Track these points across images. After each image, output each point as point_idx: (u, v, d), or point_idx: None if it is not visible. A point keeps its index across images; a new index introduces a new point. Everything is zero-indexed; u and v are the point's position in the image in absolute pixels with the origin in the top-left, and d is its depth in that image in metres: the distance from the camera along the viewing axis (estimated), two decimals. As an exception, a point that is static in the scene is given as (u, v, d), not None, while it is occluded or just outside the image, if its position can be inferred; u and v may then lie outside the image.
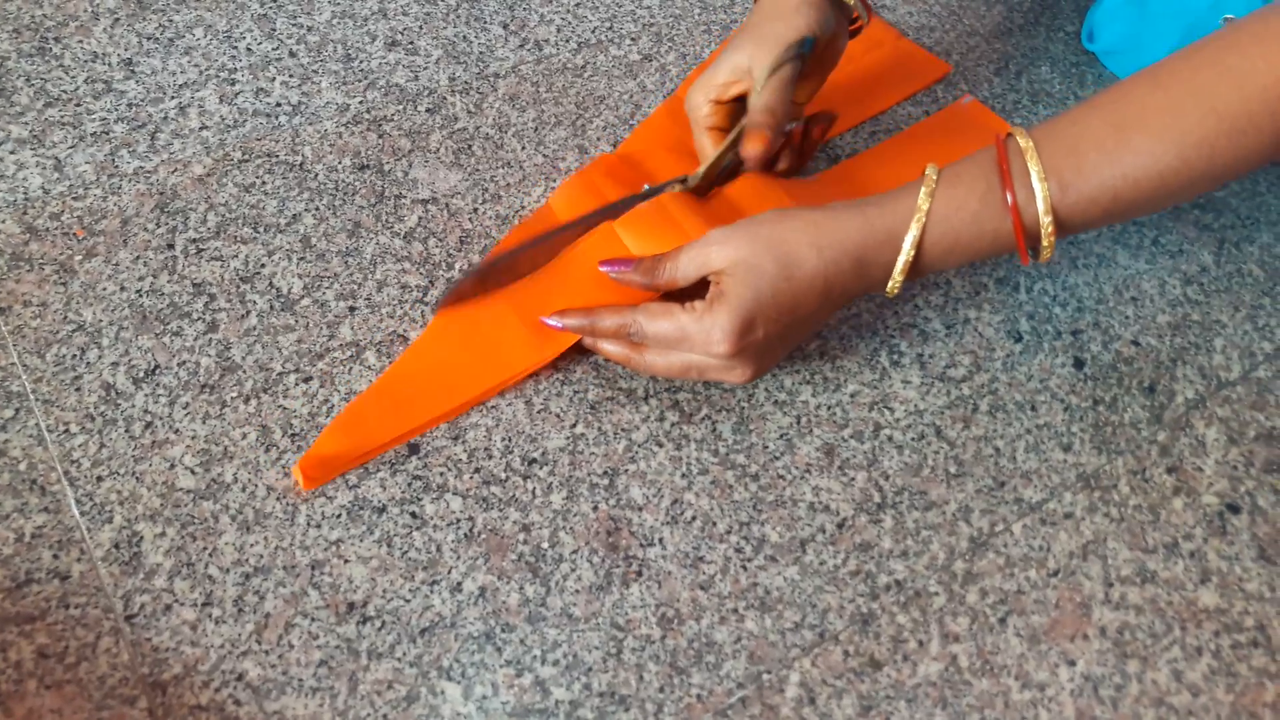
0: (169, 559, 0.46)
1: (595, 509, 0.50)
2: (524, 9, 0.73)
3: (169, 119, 0.63)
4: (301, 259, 0.57)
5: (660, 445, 0.52)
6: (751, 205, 0.57)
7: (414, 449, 0.51)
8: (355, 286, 0.56)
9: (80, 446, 0.49)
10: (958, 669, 0.47)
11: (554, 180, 0.63)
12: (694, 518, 0.50)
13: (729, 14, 0.75)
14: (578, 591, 0.47)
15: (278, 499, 0.48)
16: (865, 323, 0.58)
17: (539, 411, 0.53)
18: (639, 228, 0.54)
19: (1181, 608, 0.49)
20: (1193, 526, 0.52)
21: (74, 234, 0.57)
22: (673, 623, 0.47)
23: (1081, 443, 0.55)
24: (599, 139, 0.66)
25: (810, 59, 0.57)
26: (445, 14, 0.72)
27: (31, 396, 0.50)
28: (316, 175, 0.61)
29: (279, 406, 0.51)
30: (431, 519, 0.48)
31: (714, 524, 0.50)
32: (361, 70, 0.67)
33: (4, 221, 0.57)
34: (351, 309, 0.55)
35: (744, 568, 0.48)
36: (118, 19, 0.69)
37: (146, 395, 0.51)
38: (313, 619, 0.45)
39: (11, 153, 0.60)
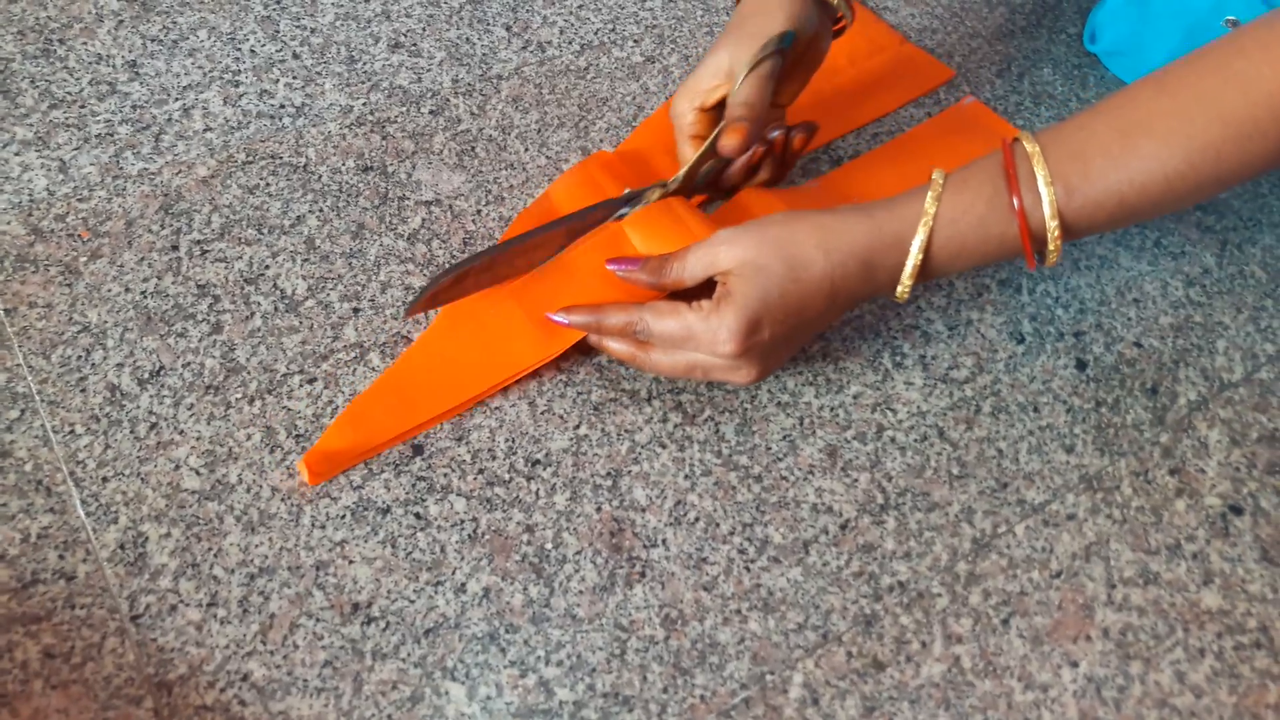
0: (174, 559, 0.46)
1: (599, 510, 0.50)
2: (527, 11, 0.73)
3: (173, 121, 0.63)
4: (306, 260, 0.57)
5: (663, 446, 0.52)
6: (759, 209, 0.57)
7: (418, 450, 0.51)
8: (359, 288, 0.56)
9: (85, 447, 0.49)
10: (961, 670, 0.47)
11: (557, 182, 0.63)
12: (697, 519, 0.50)
13: (731, 15, 0.75)
14: (581, 592, 0.47)
15: (282, 500, 0.48)
16: (868, 324, 0.58)
17: (542, 413, 0.53)
18: (646, 227, 0.54)
19: (1184, 609, 0.50)
20: (1195, 528, 0.52)
21: (79, 235, 0.57)
22: (676, 623, 0.47)
23: (1084, 444, 0.55)
24: (602, 140, 0.66)
25: (792, 59, 0.57)
26: (448, 16, 0.72)
27: (37, 397, 0.50)
28: (320, 177, 0.61)
29: (283, 408, 0.51)
30: (436, 520, 0.49)
31: (717, 525, 0.50)
32: (365, 72, 0.68)
33: (9, 223, 0.57)
34: (355, 310, 0.55)
35: (747, 569, 0.49)
36: (122, 21, 0.69)
37: (151, 396, 0.51)
38: (317, 619, 0.45)
39: (16, 154, 0.60)
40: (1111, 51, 0.74)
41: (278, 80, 0.66)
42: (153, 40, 0.68)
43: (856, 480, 0.52)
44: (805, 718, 0.45)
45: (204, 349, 0.53)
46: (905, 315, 0.59)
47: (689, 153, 0.58)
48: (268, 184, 0.61)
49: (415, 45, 0.70)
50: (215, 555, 0.47)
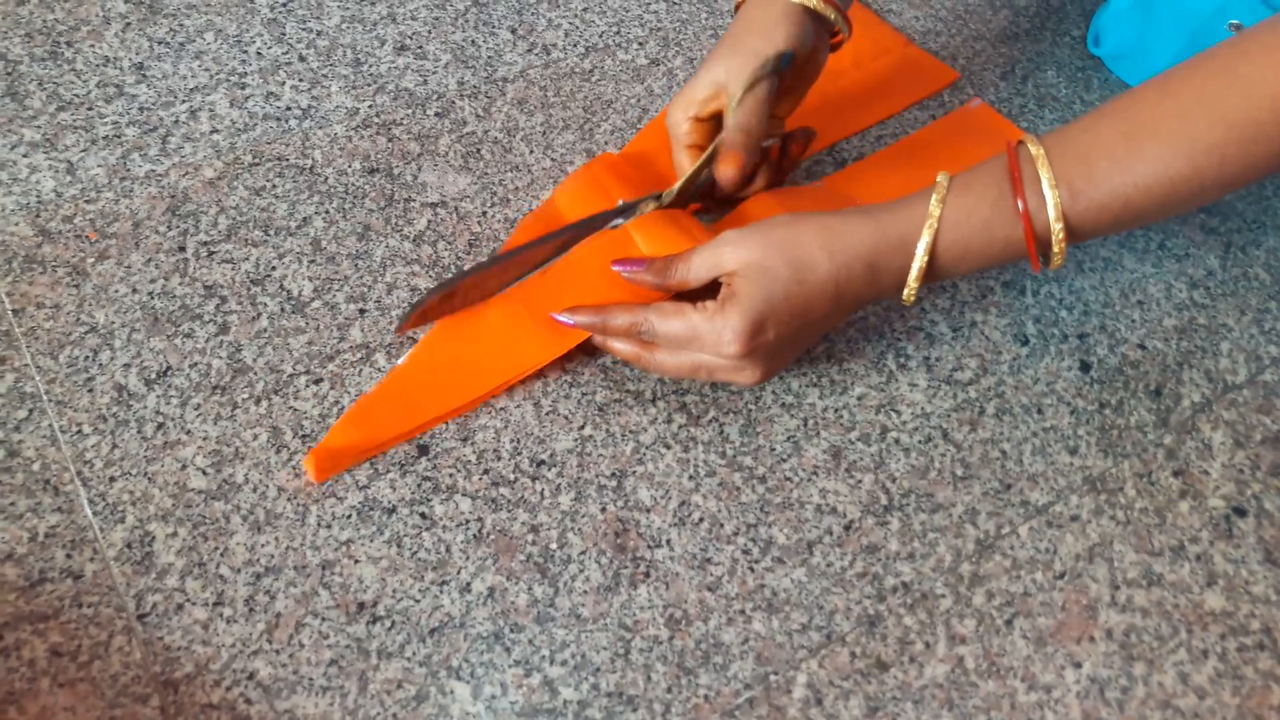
0: (181, 559, 0.46)
1: (603, 510, 0.50)
2: (532, 14, 0.74)
3: (180, 123, 0.64)
4: (312, 262, 0.57)
5: (668, 447, 0.52)
6: (760, 212, 0.58)
7: (423, 450, 0.51)
8: (365, 289, 0.57)
9: (93, 447, 0.49)
10: (964, 670, 0.47)
11: (562, 184, 0.63)
12: (701, 519, 0.50)
13: (730, 24, 0.76)
14: (586, 592, 0.47)
15: (288, 500, 0.49)
16: (872, 325, 0.58)
17: (547, 413, 0.53)
18: (652, 229, 0.54)
19: (1188, 610, 0.50)
20: (1199, 529, 0.52)
21: (86, 237, 0.57)
22: (680, 623, 0.47)
23: (1088, 445, 0.55)
24: (606, 142, 0.66)
25: (789, 74, 0.57)
26: (454, 18, 0.73)
27: (45, 397, 0.51)
28: (326, 179, 0.62)
29: (290, 408, 0.52)
30: (441, 520, 0.49)
31: (721, 525, 0.50)
32: (371, 74, 0.68)
33: (17, 224, 0.57)
34: (361, 311, 0.56)
35: (751, 569, 0.49)
36: (129, 24, 0.69)
37: (158, 396, 0.51)
38: (323, 619, 0.45)
39: (24, 156, 0.61)
40: (1115, 55, 0.74)
41: (284, 83, 0.67)
42: (160, 43, 0.68)
43: (860, 481, 0.52)
44: (809, 718, 0.45)
45: (211, 349, 0.53)
46: (909, 317, 0.59)
47: (684, 161, 0.58)
48: (274, 186, 0.61)
49: (421, 48, 0.70)
50: (221, 554, 0.47)
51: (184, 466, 0.49)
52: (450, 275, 0.57)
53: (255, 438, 0.50)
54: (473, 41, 0.71)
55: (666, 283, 0.51)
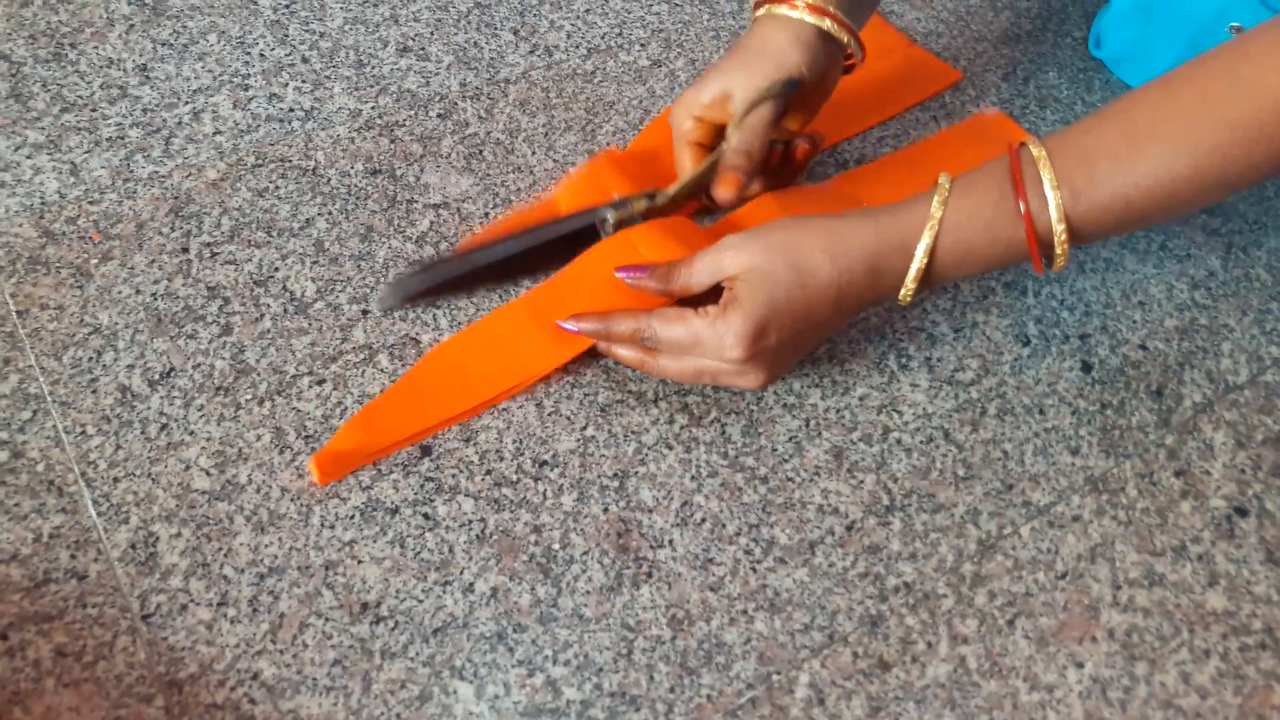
0: (185, 559, 0.47)
1: (606, 511, 0.50)
2: (534, 15, 0.74)
3: (183, 124, 0.64)
4: (315, 263, 0.58)
5: (670, 448, 0.52)
6: (760, 216, 0.58)
7: (426, 451, 0.51)
8: (368, 290, 0.57)
9: (97, 448, 0.49)
10: (966, 670, 0.47)
11: (564, 185, 0.63)
12: (703, 520, 0.50)
13: (737, 20, 0.76)
14: (588, 592, 0.47)
15: (292, 500, 0.49)
16: (874, 326, 0.59)
17: (550, 414, 0.53)
18: (654, 236, 0.54)
19: (1189, 610, 0.50)
20: (1200, 529, 0.52)
21: (90, 238, 0.57)
22: (683, 624, 0.47)
23: (1089, 446, 0.55)
24: (609, 144, 0.66)
25: (801, 94, 0.57)
26: (456, 20, 0.73)
27: (49, 398, 0.51)
28: (329, 180, 0.62)
29: (293, 409, 0.52)
30: (444, 520, 0.49)
31: (723, 526, 0.50)
32: (373, 76, 0.68)
33: (21, 225, 0.57)
34: (364, 312, 0.56)
35: (753, 569, 0.49)
36: (133, 25, 0.69)
37: (162, 397, 0.51)
38: (327, 619, 0.46)
39: (28, 157, 0.61)
40: (1116, 57, 0.74)
41: (287, 84, 0.67)
42: (163, 44, 0.68)
43: (862, 481, 0.52)
44: (811, 718, 0.45)
45: (214, 350, 0.53)
46: (911, 318, 0.59)
47: (685, 158, 0.58)
48: (277, 187, 0.61)
49: (423, 49, 0.70)
50: (225, 555, 0.47)
51: (188, 467, 0.49)
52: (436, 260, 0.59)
53: (258, 438, 0.51)
54: (475, 43, 0.71)
55: (669, 287, 0.51)
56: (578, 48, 0.72)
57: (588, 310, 0.52)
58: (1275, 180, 0.70)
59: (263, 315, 0.55)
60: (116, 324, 0.54)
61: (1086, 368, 0.58)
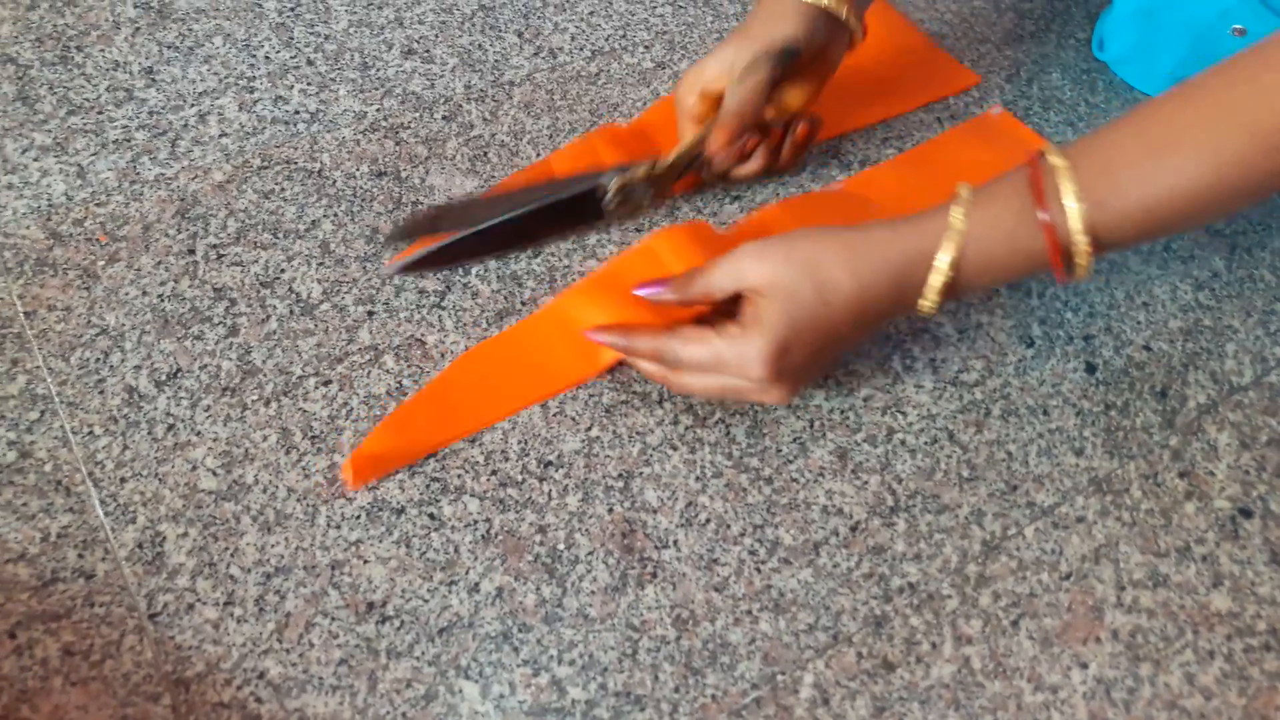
0: (191, 559, 0.47)
1: (610, 511, 0.50)
2: (538, 18, 0.74)
3: (189, 126, 0.64)
4: (320, 264, 0.58)
5: (674, 449, 0.53)
6: (777, 223, 0.59)
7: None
8: (373, 291, 0.57)
9: (104, 448, 0.50)
10: (970, 671, 0.47)
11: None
12: (708, 520, 0.50)
13: (740, 21, 0.76)
14: (593, 592, 0.48)
15: (298, 500, 0.49)
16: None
17: (554, 415, 0.53)
18: (677, 241, 0.56)
19: (1194, 611, 0.50)
20: (1205, 530, 0.52)
21: (97, 239, 0.58)
22: (687, 624, 0.47)
23: (1093, 447, 0.55)
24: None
25: (798, 67, 0.58)
26: (460, 23, 0.73)
27: (56, 399, 0.51)
28: (335, 182, 0.62)
29: (299, 409, 0.52)
30: (449, 520, 0.49)
31: (728, 526, 0.50)
32: (378, 78, 0.68)
33: (29, 227, 0.58)
34: (370, 314, 0.56)
35: (758, 570, 0.49)
36: (139, 28, 0.70)
37: (168, 398, 0.52)
38: (333, 618, 0.46)
39: (35, 160, 0.61)
40: (1120, 58, 0.74)
41: (292, 86, 0.67)
42: (169, 47, 0.69)
43: (867, 482, 0.52)
44: (816, 718, 0.45)
45: (220, 351, 0.54)
46: (915, 319, 0.59)
47: (689, 133, 0.60)
48: (283, 189, 0.61)
49: (428, 52, 0.71)
50: (232, 555, 0.47)
51: (194, 467, 0.49)
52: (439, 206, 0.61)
53: (265, 439, 0.51)
54: (479, 45, 0.71)
55: (687, 297, 0.51)
56: (582, 50, 0.72)
57: (613, 321, 0.53)
58: (1279, 182, 0.70)
59: (269, 316, 0.55)
60: (123, 325, 0.54)
61: (1091, 369, 0.58)
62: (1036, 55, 0.76)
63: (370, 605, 0.46)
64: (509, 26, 0.73)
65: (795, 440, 0.53)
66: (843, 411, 0.55)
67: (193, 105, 0.65)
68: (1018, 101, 0.72)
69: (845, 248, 0.48)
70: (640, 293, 0.52)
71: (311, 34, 0.71)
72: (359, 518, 0.49)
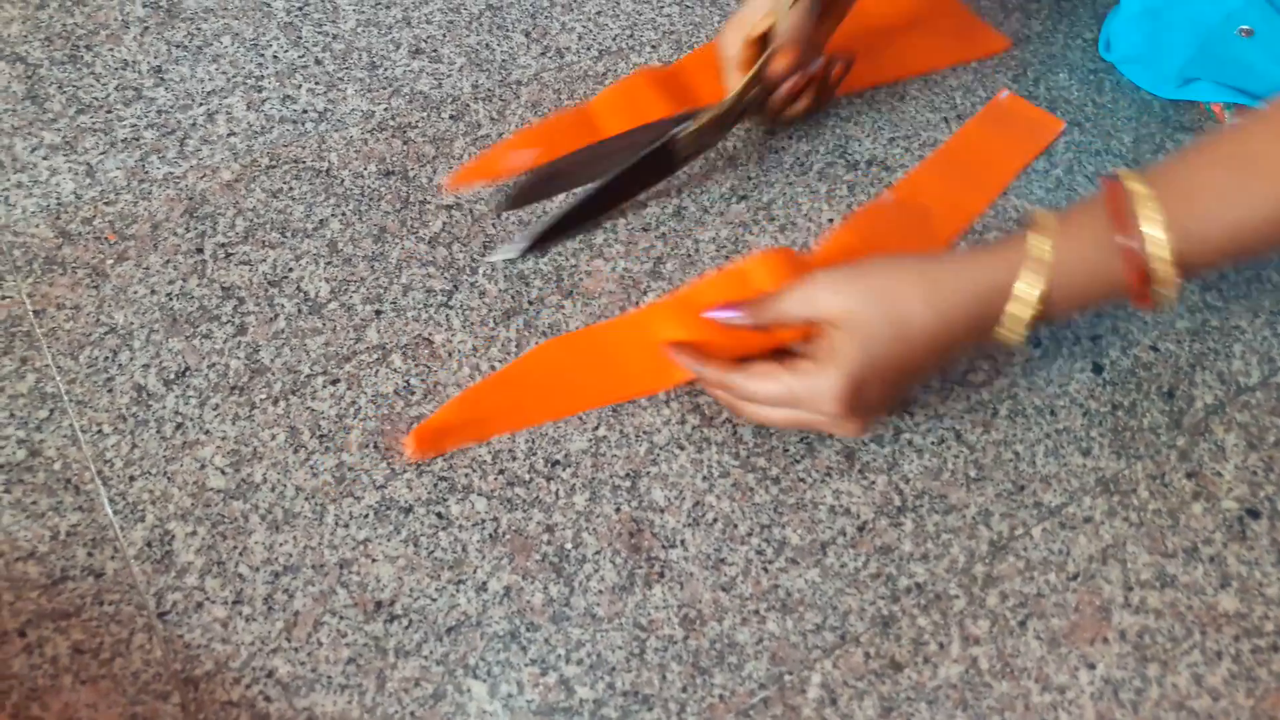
0: (200, 557, 0.47)
1: (618, 510, 0.50)
2: (546, 17, 0.74)
3: (198, 125, 0.64)
4: (328, 263, 0.58)
5: (682, 448, 0.53)
6: (844, 249, 0.60)
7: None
8: (381, 290, 0.57)
9: (113, 447, 0.50)
10: (978, 671, 0.47)
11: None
12: (715, 520, 0.50)
13: None
14: (601, 592, 0.48)
15: (306, 499, 0.49)
16: (885, 328, 0.59)
17: (562, 414, 0.53)
18: (766, 266, 0.56)
19: (1201, 612, 0.50)
20: (1212, 531, 0.52)
21: (106, 238, 0.58)
22: (695, 623, 0.47)
23: (1101, 447, 0.55)
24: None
25: (824, 3, 0.60)
26: (468, 22, 0.73)
27: (65, 398, 0.51)
28: (342, 181, 0.62)
29: (307, 408, 0.52)
30: (457, 519, 0.49)
31: (735, 526, 0.50)
32: (386, 78, 0.68)
33: (38, 226, 0.58)
34: (378, 312, 0.56)
35: (765, 570, 0.49)
36: (147, 27, 0.70)
37: (177, 397, 0.52)
38: (341, 617, 0.46)
39: (44, 159, 0.61)
40: (1126, 59, 0.74)
41: (300, 86, 0.67)
42: (178, 46, 0.69)
43: (874, 482, 0.52)
44: (823, 718, 0.45)
45: (229, 350, 0.54)
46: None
47: (736, 81, 0.61)
48: (291, 188, 0.61)
49: (436, 51, 0.71)
50: (240, 553, 0.47)
51: (203, 466, 0.50)
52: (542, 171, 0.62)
53: (273, 437, 0.51)
54: (487, 45, 0.71)
55: (759, 321, 0.50)
56: (589, 49, 0.72)
57: (692, 339, 0.53)
58: None
59: (277, 315, 0.55)
60: (132, 324, 0.54)
61: (1098, 369, 0.58)
62: (1043, 55, 0.76)
63: (378, 604, 0.46)
64: (516, 26, 0.73)
65: (802, 440, 0.54)
66: (850, 411, 0.55)
67: (201, 104, 0.65)
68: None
69: (922, 279, 0.46)
70: (712, 315, 0.51)
71: (319, 33, 0.71)
72: (367, 517, 0.49)
